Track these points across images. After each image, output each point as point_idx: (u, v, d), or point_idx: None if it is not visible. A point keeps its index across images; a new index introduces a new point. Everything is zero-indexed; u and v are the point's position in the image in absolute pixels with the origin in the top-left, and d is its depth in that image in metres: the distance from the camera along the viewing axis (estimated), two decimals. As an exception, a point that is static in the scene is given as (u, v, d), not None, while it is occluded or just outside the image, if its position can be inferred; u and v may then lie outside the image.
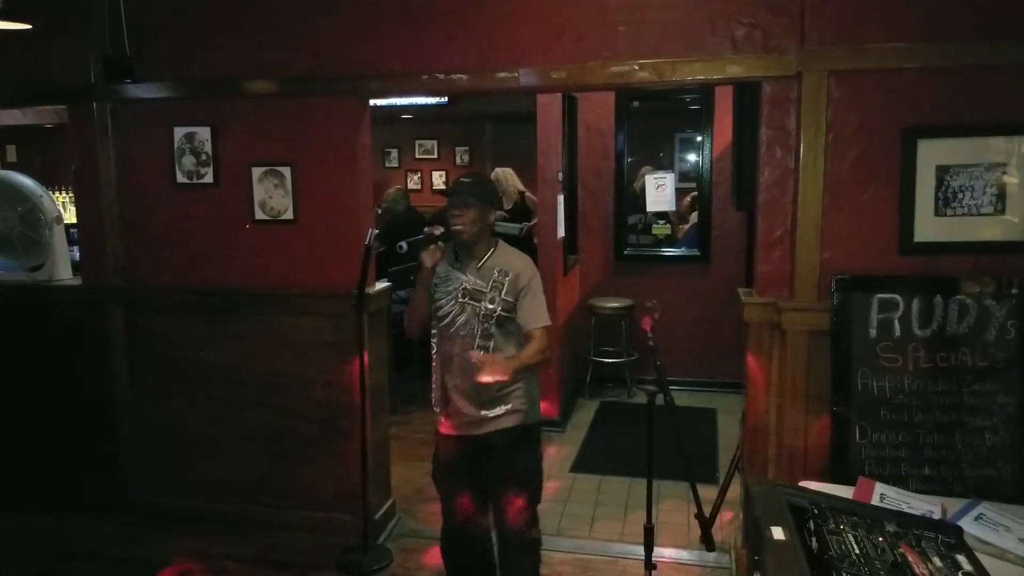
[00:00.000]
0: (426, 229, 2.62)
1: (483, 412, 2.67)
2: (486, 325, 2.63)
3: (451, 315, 2.67)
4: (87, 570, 3.51)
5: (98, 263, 3.80)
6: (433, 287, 2.70)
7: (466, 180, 2.68)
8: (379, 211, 6.21)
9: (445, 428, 2.78)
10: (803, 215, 2.93)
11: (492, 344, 2.64)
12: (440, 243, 2.62)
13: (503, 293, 2.63)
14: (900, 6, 2.82)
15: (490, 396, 2.64)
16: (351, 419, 3.51)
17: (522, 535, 2.76)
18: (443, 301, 2.69)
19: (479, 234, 2.64)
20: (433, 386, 2.79)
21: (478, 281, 2.65)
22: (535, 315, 2.65)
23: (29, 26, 3.47)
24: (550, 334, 2.71)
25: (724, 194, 5.80)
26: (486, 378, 2.44)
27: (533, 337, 2.64)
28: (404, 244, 2.69)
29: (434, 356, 2.77)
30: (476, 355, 2.55)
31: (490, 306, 2.62)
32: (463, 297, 2.65)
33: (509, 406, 2.69)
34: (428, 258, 2.61)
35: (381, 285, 3.67)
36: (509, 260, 2.69)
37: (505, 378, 2.48)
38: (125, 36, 3.51)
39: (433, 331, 2.76)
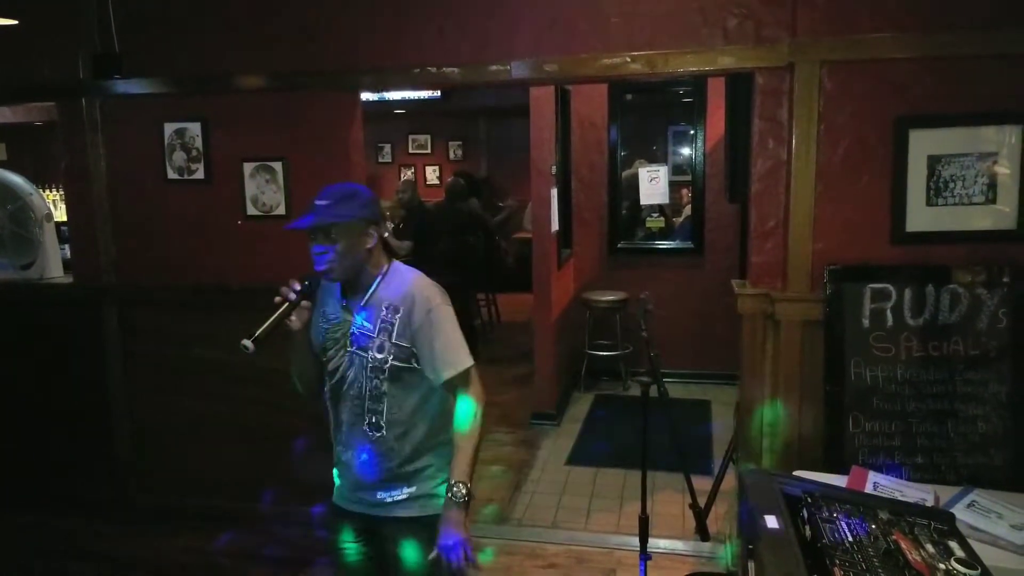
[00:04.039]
0: (282, 290, 1.96)
1: (379, 495, 2.06)
2: (375, 382, 1.98)
3: (340, 370, 2.03)
4: (85, 569, 3.50)
5: (90, 260, 3.78)
6: (322, 333, 2.07)
7: (322, 202, 1.95)
8: (400, 199, 6.40)
9: (337, 497, 2.19)
10: (796, 206, 2.93)
11: (385, 405, 2.00)
12: (305, 304, 1.98)
13: (393, 336, 1.97)
14: (891, -4, 2.82)
15: (391, 474, 2.04)
16: (346, 414, 3.51)
17: None
18: (332, 351, 2.05)
19: (358, 266, 1.99)
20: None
21: (364, 323, 2.00)
22: (447, 358, 1.98)
23: (16, 22, 3.45)
24: (477, 375, 2.03)
25: (717, 186, 5.80)
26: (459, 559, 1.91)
27: (455, 388, 2.00)
28: (249, 344, 1.87)
29: (327, 418, 2.17)
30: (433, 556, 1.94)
31: (378, 355, 1.97)
32: (352, 346, 2.00)
33: (412, 489, 2.05)
34: (296, 321, 1.98)
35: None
36: (401, 289, 2.01)
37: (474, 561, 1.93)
38: (114, 32, 3.49)
39: (325, 388, 2.13)
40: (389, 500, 2.06)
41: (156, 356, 3.79)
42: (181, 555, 3.56)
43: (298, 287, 1.96)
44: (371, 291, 2.02)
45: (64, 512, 3.91)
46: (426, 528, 2.02)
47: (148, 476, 3.88)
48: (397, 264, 2.09)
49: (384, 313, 1.99)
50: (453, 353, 1.99)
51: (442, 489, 2.02)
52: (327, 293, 2.09)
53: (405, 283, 2.04)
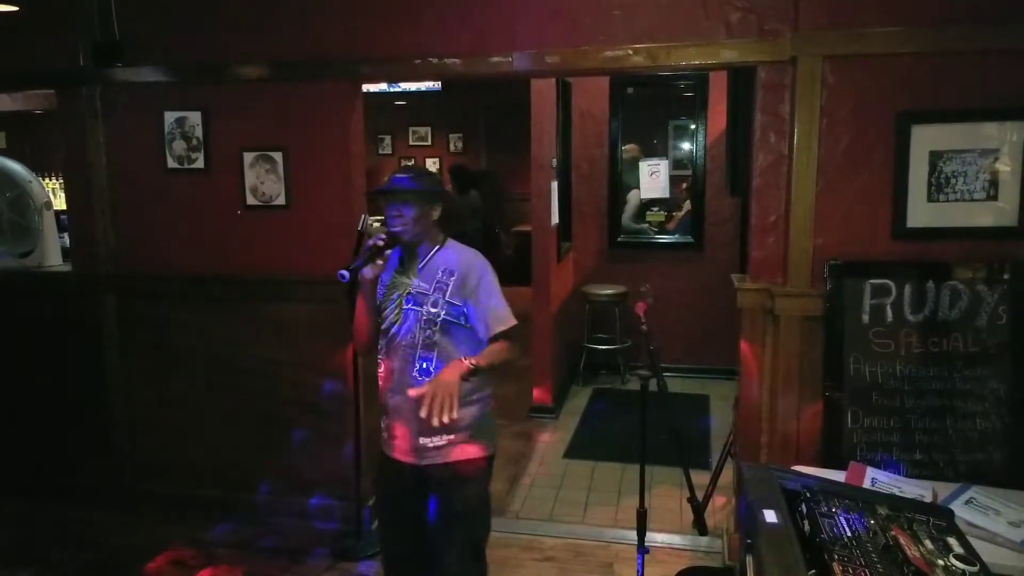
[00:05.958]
0: (369, 242, 2.33)
1: (422, 440, 2.33)
2: (428, 332, 2.30)
3: (396, 324, 2.37)
4: (82, 557, 3.50)
5: (89, 249, 3.77)
6: (380, 294, 2.42)
7: (402, 175, 2.37)
8: None
9: (388, 449, 2.46)
10: (797, 200, 2.92)
11: (435, 354, 2.30)
12: (386, 252, 2.33)
13: (447, 295, 2.31)
14: (895, -10, 2.81)
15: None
16: (344, 405, 3.51)
17: None
18: (388, 310, 2.39)
19: (423, 233, 2.35)
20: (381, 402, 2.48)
21: (421, 283, 2.35)
22: (494, 317, 2.31)
23: (16, 8, 3.43)
24: (516, 335, 2.36)
25: (718, 181, 5.79)
26: (434, 418, 2.07)
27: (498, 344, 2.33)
28: (346, 273, 2.26)
29: (379, 372, 2.46)
30: (415, 391, 2.15)
31: (432, 310, 2.29)
32: (407, 304, 2.34)
33: (452, 436, 2.31)
34: (370, 271, 2.31)
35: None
36: (455, 257, 2.38)
37: (454, 414, 2.08)
38: (114, 19, 3.47)
39: (380, 345, 2.45)
40: (431, 445, 2.33)
41: (154, 345, 3.78)
42: (176, 543, 3.56)
43: (384, 239, 2.30)
44: (429, 257, 2.37)
45: (61, 500, 3.91)
46: (471, 467, 2.35)
47: (146, 465, 3.88)
48: (452, 240, 2.43)
49: (440, 276, 2.33)
50: (504, 312, 2.32)
51: (477, 435, 2.37)
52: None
53: (461, 253, 2.39)
